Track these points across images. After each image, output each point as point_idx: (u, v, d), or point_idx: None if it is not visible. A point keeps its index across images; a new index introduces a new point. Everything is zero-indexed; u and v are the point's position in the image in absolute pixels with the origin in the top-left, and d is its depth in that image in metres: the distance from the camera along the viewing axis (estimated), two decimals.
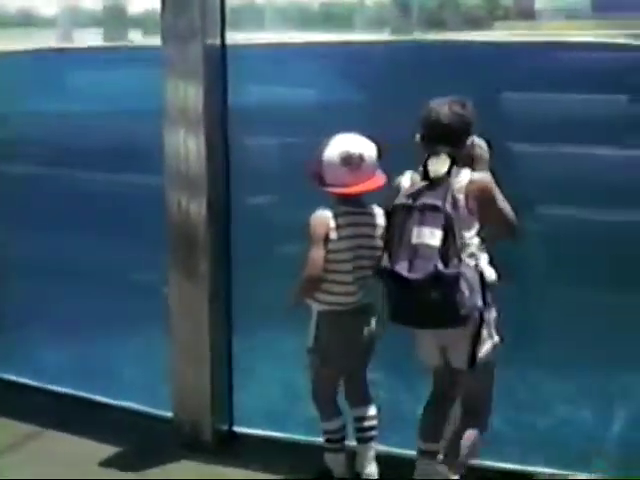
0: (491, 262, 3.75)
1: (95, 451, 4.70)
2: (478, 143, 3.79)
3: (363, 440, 4.19)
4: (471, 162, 3.76)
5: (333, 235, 3.94)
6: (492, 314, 3.75)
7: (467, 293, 3.55)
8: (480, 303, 3.63)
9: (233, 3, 4.71)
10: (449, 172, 3.67)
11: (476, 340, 3.68)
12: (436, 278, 3.52)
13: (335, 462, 4.23)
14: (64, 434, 4.91)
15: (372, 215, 3.99)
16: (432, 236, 3.54)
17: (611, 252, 4.48)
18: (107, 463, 4.62)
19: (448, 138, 3.72)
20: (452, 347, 3.77)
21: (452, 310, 3.56)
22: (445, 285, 3.53)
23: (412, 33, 5.40)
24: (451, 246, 3.54)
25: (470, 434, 3.85)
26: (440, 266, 3.50)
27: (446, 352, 3.81)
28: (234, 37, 4.60)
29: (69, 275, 5.45)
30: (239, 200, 4.67)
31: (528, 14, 5.15)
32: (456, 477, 3.85)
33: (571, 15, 5.24)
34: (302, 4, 5.93)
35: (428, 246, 3.54)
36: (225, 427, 4.82)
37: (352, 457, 4.24)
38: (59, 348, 5.61)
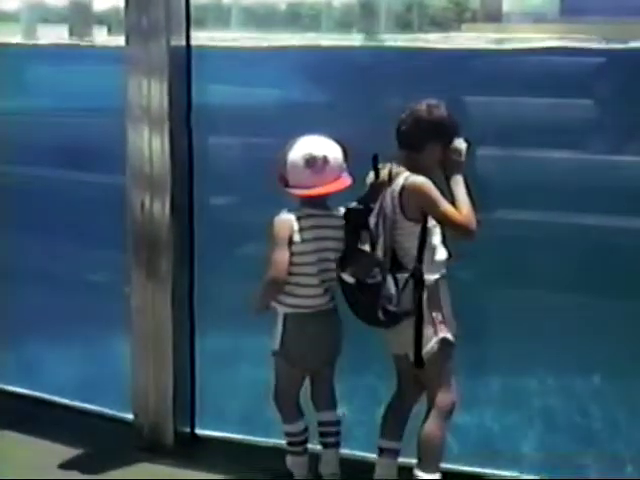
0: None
1: (53, 453, 4.63)
2: (454, 147, 3.81)
3: (327, 445, 4.18)
4: (449, 167, 3.81)
5: (297, 237, 3.93)
6: (438, 312, 3.81)
7: (394, 299, 3.71)
8: (409, 307, 3.74)
9: (198, 2, 4.67)
10: (390, 176, 3.75)
11: (418, 340, 3.79)
12: (362, 284, 3.78)
13: (296, 465, 4.21)
14: (21, 435, 4.83)
15: (336, 217, 3.97)
16: (367, 242, 3.77)
17: (572, 255, 4.50)
18: (65, 466, 4.55)
19: (406, 142, 3.80)
20: (405, 345, 3.86)
21: (374, 313, 3.76)
22: (368, 291, 3.75)
23: (379, 35, 5.38)
24: (375, 254, 3.73)
25: (436, 431, 3.88)
26: (365, 274, 3.74)
27: (404, 350, 3.90)
28: (199, 36, 4.58)
29: (27, 275, 5.40)
30: (202, 200, 4.64)
31: (495, 17, 5.15)
32: (437, 476, 3.90)
33: (539, 18, 5.25)
34: (269, 4, 5.91)
35: (364, 252, 3.77)
36: (187, 429, 4.77)
37: (315, 460, 4.21)
38: (17, 349, 5.53)
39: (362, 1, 5.53)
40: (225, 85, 5.01)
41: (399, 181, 3.74)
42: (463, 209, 3.73)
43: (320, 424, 4.18)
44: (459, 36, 5.29)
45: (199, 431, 4.80)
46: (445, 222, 3.75)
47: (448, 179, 3.80)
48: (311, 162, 3.87)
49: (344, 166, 3.94)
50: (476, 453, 4.45)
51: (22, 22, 6.10)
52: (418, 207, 3.74)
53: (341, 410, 4.19)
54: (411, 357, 3.85)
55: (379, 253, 3.71)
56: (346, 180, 3.93)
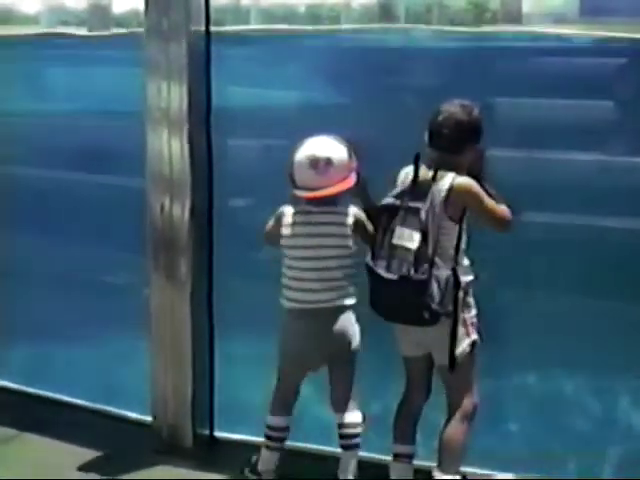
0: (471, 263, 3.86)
1: (71, 455, 4.64)
2: (481, 148, 3.85)
3: (344, 447, 4.15)
4: (475, 169, 3.83)
5: (286, 231, 4.00)
6: (469, 314, 3.85)
7: (436, 297, 3.68)
8: (451, 307, 3.73)
9: (217, 3, 4.66)
10: (435, 176, 3.74)
11: (453, 341, 3.78)
12: (406, 280, 3.68)
13: (264, 459, 4.22)
14: (39, 437, 4.85)
15: (340, 214, 3.99)
16: (410, 238, 3.69)
17: (592, 257, 4.46)
18: (83, 468, 4.55)
19: (445, 145, 3.79)
20: (432, 346, 3.89)
21: (418, 311, 3.71)
22: (413, 288, 3.69)
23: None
24: (424, 250, 3.67)
25: (459, 434, 3.88)
26: (411, 270, 3.66)
27: (428, 350, 3.93)
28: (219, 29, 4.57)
29: (48, 278, 5.40)
30: (222, 203, 4.63)
31: (515, 18, 5.12)
32: (458, 477, 3.89)
33: (559, 19, 5.21)
34: (288, 5, 5.88)
35: (405, 248, 3.70)
36: (206, 432, 4.77)
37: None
38: (37, 351, 5.53)
39: (381, 2, 5.51)
40: (245, 86, 4.99)
41: (446, 181, 3.75)
42: (500, 203, 3.81)
43: (338, 426, 4.15)
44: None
45: (218, 433, 4.79)
46: (491, 217, 3.81)
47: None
48: (314, 163, 3.90)
49: (353, 166, 3.96)
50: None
51: (41, 24, 6.10)
52: (463, 207, 3.77)
53: (361, 413, 4.16)
54: (439, 358, 3.85)
55: (429, 250, 3.68)
56: (349, 182, 3.94)
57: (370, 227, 3.96)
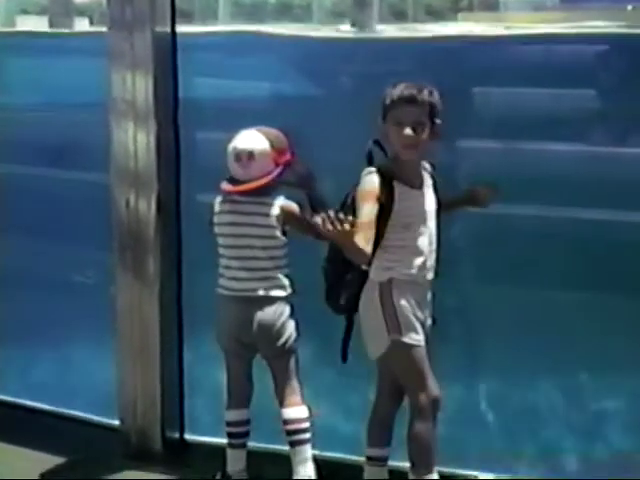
0: None
1: (37, 462, 4.52)
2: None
3: (291, 443, 4.10)
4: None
5: (215, 219, 4.08)
6: (390, 314, 3.72)
7: (342, 298, 3.79)
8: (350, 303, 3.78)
9: None
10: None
11: (347, 336, 3.85)
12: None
13: (232, 459, 4.18)
14: (3, 444, 4.71)
15: (265, 205, 3.99)
16: None
17: (573, 249, 4.41)
18: (49, 475, 4.44)
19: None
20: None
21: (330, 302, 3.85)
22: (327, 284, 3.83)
23: (373, 25, 5.27)
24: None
25: (422, 432, 3.78)
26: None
27: None
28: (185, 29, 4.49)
29: (9, 277, 5.25)
30: (190, 197, 4.55)
31: (492, 5, 5.04)
32: (435, 477, 3.82)
33: (538, 6, 5.14)
34: None
35: None
36: (176, 435, 4.67)
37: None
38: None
39: None
40: (212, 78, 4.91)
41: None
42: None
43: (283, 422, 4.10)
44: (455, 25, 5.17)
45: (188, 436, 4.69)
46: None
47: None
48: (238, 156, 3.95)
49: (282, 159, 3.96)
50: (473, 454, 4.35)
51: (0, 13, 5.95)
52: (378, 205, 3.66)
53: (310, 409, 4.11)
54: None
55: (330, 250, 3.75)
56: (269, 178, 3.94)
57: (308, 219, 3.86)
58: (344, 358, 3.86)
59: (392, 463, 4.06)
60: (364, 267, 3.70)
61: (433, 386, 3.79)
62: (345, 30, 5.35)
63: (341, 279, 3.77)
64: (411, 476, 3.81)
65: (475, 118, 4.56)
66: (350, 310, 3.83)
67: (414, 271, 3.73)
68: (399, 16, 5.36)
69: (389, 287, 3.72)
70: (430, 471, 3.81)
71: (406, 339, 3.73)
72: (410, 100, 3.60)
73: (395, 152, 3.66)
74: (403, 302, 3.72)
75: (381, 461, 4.00)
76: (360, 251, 3.54)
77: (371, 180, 3.64)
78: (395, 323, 3.72)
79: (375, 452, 3.99)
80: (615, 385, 4.49)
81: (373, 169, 3.66)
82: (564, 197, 4.48)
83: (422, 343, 3.76)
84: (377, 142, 3.70)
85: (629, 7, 4.72)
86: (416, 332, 3.74)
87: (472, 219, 4.50)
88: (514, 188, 4.39)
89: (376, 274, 3.73)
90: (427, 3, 5.31)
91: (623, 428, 4.40)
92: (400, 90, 3.63)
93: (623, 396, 4.48)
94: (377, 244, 3.64)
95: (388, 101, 3.65)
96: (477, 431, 4.48)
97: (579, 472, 4.25)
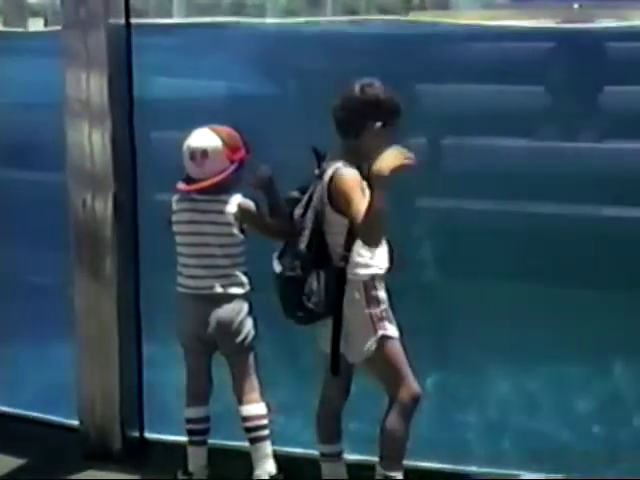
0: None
1: None
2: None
3: (250, 440, 4.12)
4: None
5: (173, 218, 4.09)
6: (377, 309, 3.70)
7: (313, 297, 3.61)
8: (330, 305, 3.63)
9: None
10: (320, 167, 3.66)
11: (335, 341, 3.69)
12: (282, 277, 3.70)
13: (193, 456, 4.19)
14: None
15: (222, 203, 4.00)
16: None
17: (526, 244, 4.46)
18: (8, 477, 4.40)
19: (341, 129, 3.65)
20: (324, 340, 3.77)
21: (292, 310, 3.70)
22: (288, 286, 3.67)
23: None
24: (298, 247, 3.64)
25: (398, 427, 3.77)
26: (285, 267, 3.67)
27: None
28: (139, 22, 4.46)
29: None
30: (146, 197, 4.53)
31: (443, 3, 5.07)
32: (400, 476, 3.80)
33: (488, 4, 5.18)
34: None
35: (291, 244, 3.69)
36: (136, 434, 4.66)
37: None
38: None
39: None
40: (168, 77, 4.88)
41: (329, 172, 3.61)
42: (361, 210, 3.49)
43: (241, 419, 4.11)
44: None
45: (148, 435, 4.68)
46: (351, 218, 3.55)
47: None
48: (192, 155, 3.97)
49: (235, 157, 3.98)
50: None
51: None
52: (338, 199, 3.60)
53: (269, 406, 4.12)
54: (349, 357, 3.76)
55: (301, 247, 3.62)
56: (222, 175, 3.95)
57: (265, 218, 3.94)
58: (335, 370, 3.75)
59: (356, 457, 4.12)
60: (339, 264, 3.62)
61: (414, 383, 3.78)
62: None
63: (310, 282, 3.63)
64: (379, 470, 3.80)
65: (424, 114, 4.58)
66: (328, 314, 3.68)
67: (386, 265, 3.75)
68: (351, 14, 5.38)
69: (372, 284, 3.70)
70: (400, 466, 3.80)
71: (390, 332, 3.72)
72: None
73: (374, 154, 3.49)
74: (384, 296, 3.73)
75: (336, 456, 3.99)
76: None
77: (354, 172, 3.59)
78: (381, 319, 3.70)
79: (329, 448, 3.99)
80: (567, 376, 4.55)
81: (343, 166, 3.60)
82: (515, 191, 4.52)
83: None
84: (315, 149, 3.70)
85: (575, 5, 4.78)
86: (395, 326, 3.76)
87: (427, 214, 4.56)
88: (466, 183, 4.46)
89: (356, 273, 3.67)
90: (379, 2, 5.34)
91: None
92: (394, 98, 3.63)
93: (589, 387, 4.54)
94: (351, 242, 3.62)
95: (392, 107, 3.62)
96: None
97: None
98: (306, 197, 3.68)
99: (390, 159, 3.42)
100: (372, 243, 3.56)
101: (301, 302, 3.63)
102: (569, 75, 4.54)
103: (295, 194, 3.76)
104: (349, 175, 3.58)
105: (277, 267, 3.73)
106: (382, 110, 3.60)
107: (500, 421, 4.54)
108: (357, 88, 3.60)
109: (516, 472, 4.26)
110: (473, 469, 4.33)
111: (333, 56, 4.61)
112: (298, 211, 3.69)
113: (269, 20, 5.47)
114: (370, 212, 3.43)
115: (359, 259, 3.67)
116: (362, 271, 3.68)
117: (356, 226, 3.52)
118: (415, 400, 3.78)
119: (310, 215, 3.64)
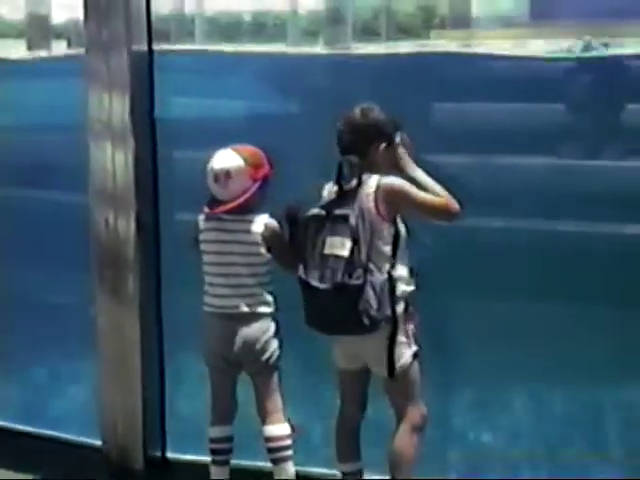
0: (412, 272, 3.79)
1: None
2: (396, 143, 3.79)
3: (273, 461, 4.10)
4: (397, 164, 3.79)
5: (201, 237, 4.08)
6: (411, 325, 3.78)
7: (373, 303, 3.62)
8: (389, 312, 3.67)
9: (160, 13, 4.57)
10: (359, 181, 3.71)
11: (391, 348, 3.73)
12: (341, 288, 3.63)
13: (216, 476, 4.17)
14: None
15: (249, 222, 4.00)
16: (342, 246, 3.65)
17: (544, 261, 4.43)
18: None
19: (348, 151, 3.76)
20: (370, 358, 3.81)
21: (355, 319, 3.64)
22: (348, 295, 3.62)
23: (346, 43, 5.30)
24: (356, 256, 3.63)
25: (408, 446, 3.81)
26: (345, 277, 3.61)
27: (362, 359, 3.85)
28: (162, 48, 4.49)
29: None
30: (168, 216, 4.56)
31: (464, 23, 5.07)
32: None
33: (508, 23, 5.18)
34: (233, 14, 5.79)
35: (337, 256, 3.65)
36: (157, 453, 4.65)
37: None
38: None
39: (329, 8, 5.43)
40: (190, 97, 4.91)
41: (372, 183, 3.70)
42: (438, 191, 3.72)
43: (264, 439, 4.09)
44: (427, 43, 5.21)
45: (170, 455, 4.67)
46: (428, 209, 3.73)
47: (403, 174, 3.77)
48: (216, 177, 3.98)
49: (258, 175, 3.98)
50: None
51: None
52: (394, 207, 3.70)
53: (293, 426, 4.09)
54: (379, 370, 3.77)
55: (362, 256, 3.63)
56: (247, 195, 3.96)
57: (283, 238, 3.96)
58: (392, 373, 3.76)
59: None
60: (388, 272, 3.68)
61: (422, 403, 3.84)
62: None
63: (367, 291, 3.63)
64: None
65: (446, 132, 4.59)
66: (386, 322, 3.70)
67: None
68: (372, 35, 5.40)
69: (410, 300, 3.77)
70: None
71: (417, 350, 3.80)
72: None
73: (382, 172, 3.73)
74: (415, 313, 3.80)
75: (357, 475, 3.99)
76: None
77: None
78: (414, 335, 3.78)
79: (350, 467, 3.99)
80: (587, 394, 4.53)
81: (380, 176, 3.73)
82: (535, 210, 4.51)
83: None
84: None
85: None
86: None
87: (445, 231, 4.54)
88: (486, 201, 4.45)
89: (399, 288, 3.72)
90: (399, 21, 5.35)
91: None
92: (393, 119, 3.79)
93: (598, 405, 4.52)
94: (395, 249, 3.71)
95: (392, 127, 3.78)
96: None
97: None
98: (356, 209, 3.67)
99: None
100: (457, 211, 3.70)
101: (365, 310, 3.62)
102: (591, 93, 4.54)
103: (316, 210, 3.77)
104: (395, 179, 3.73)
105: (315, 281, 3.69)
106: (384, 131, 3.78)
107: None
108: (358, 113, 3.78)
109: None
110: None
111: (352, 78, 4.64)
112: (353, 221, 3.66)
113: (290, 50, 5.50)
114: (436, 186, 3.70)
115: (402, 273, 3.74)
116: (405, 287, 3.75)
117: (430, 210, 3.69)
118: (425, 421, 3.84)
119: (363, 225, 3.66)
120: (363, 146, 3.75)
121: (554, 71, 4.66)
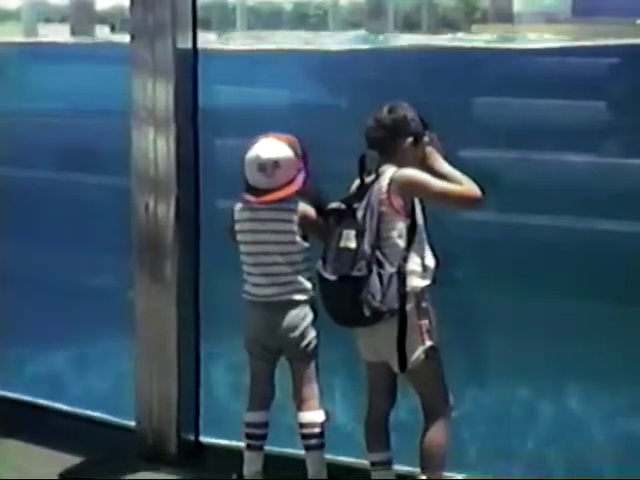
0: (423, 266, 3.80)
1: (54, 462, 4.57)
2: (427, 139, 3.84)
3: (306, 447, 4.14)
4: (424, 160, 3.83)
5: (237, 227, 4.10)
6: (424, 320, 3.79)
7: (377, 294, 3.66)
8: (396, 305, 3.69)
9: (203, 2, 4.60)
10: (377, 175, 3.77)
11: (401, 342, 3.75)
12: (344, 279, 3.70)
13: (249, 461, 4.19)
14: (20, 443, 4.76)
15: (285, 211, 4.03)
16: (351, 239, 3.72)
17: (586, 259, 4.42)
18: (66, 474, 4.48)
19: (377, 148, 3.83)
20: (380, 348, 3.85)
21: (357, 310, 3.69)
22: (351, 285, 3.68)
23: (387, 34, 5.30)
24: (361, 248, 3.68)
25: (439, 439, 3.84)
26: (349, 269, 3.68)
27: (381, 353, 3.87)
28: (206, 36, 4.51)
29: (29, 280, 5.29)
30: (208, 203, 4.58)
31: (506, 17, 5.06)
32: None
33: (551, 18, 5.16)
34: (275, 4, 5.82)
35: (348, 249, 3.72)
36: (191, 437, 4.70)
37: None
38: (18, 355, 5.42)
39: (370, 0, 5.44)
40: (232, 86, 4.93)
41: (386, 175, 3.75)
42: (460, 180, 3.74)
43: (299, 426, 4.13)
44: (468, 37, 5.21)
45: (203, 439, 4.72)
46: (447, 198, 3.75)
47: (432, 170, 3.80)
48: (262, 166, 3.97)
49: (301, 165, 4.01)
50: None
51: (23, 21, 5.99)
52: (409, 199, 3.74)
53: (324, 411, 4.13)
54: (392, 363, 3.80)
55: (366, 247, 3.68)
56: (297, 183, 3.99)
57: (321, 223, 3.97)
58: (403, 367, 3.80)
59: (400, 468, 4.10)
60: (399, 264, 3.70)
61: (449, 395, 3.87)
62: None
63: (374, 282, 3.67)
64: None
65: (488, 128, 4.59)
66: (391, 314, 3.72)
67: (432, 277, 3.82)
68: (413, 27, 5.40)
69: (423, 295, 3.79)
70: (442, 476, 3.86)
71: (436, 344, 3.81)
72: None
73: (409, 167, 3.78)
74: (430, 308, 3.81)
75: (386, 464, 4.01)
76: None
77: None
78: (429, 330, 3.79)
79: (379, 457, 4.02)
80: (618, 394, 4.51)
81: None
82: (576, 207, 4.50)
83: None
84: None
85: (638, 21, 4.76)
86: (438, 339, 3.83)
87: (483, 227, 4.55)
88: (526, 198, 4.45)
89: (413, 285, 3.75)
90: (441, 14, 5.35)
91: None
92: (420, 116, 3.84)
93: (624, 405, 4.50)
94: (410, 245, 3.74)
95: (419, 124, 3.83)
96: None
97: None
98: (365, 201, 3.73)
99: None
100: (480, 199, 3.71)
101: (367, 301, 3.66)
102: (633, 90, 4.52)
103: (335, 204, 3.84)
104: (411, 170, 3.76)
105: (327, 273, 3.77)
106: (410, 127, 3.82)
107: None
108: (386, 110, 3.83)
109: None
110: None
111: (394, 71, 4.64)
112: (360, 213, 3.73)
113: (332, 47, 5.50)
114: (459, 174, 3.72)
115: (415, 267, 3.75)
116: (417, 282, 3.76)
117: (451, 199, 3.72)
118: (450, 411, 3.87)
119: (370, 218, 3.71)
120: (388, 142, 3.81)
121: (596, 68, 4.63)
